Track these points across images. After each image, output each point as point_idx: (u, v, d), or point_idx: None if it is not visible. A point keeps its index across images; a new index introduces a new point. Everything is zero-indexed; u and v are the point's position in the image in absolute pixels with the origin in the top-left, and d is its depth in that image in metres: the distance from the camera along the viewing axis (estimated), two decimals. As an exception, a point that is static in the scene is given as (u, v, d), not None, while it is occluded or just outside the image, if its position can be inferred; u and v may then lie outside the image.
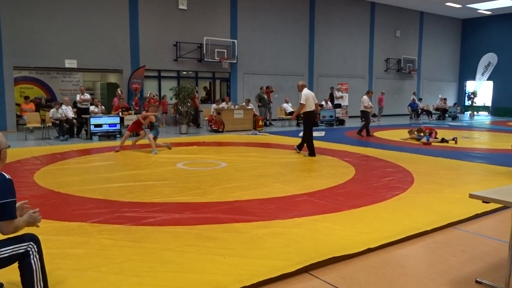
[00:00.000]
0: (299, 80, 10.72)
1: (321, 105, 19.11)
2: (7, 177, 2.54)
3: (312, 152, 9.46)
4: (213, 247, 3.87)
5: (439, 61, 29.26)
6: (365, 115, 13.91)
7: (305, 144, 9.69)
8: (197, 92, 17.82)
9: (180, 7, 18.18)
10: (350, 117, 20.91)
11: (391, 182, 6.73)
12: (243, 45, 19.81)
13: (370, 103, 13.85)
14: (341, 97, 20.77)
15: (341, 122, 18.98)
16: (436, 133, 12.57)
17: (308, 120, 9.60)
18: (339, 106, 20.16)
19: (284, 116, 18.52)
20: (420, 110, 23.47)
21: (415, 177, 7.11)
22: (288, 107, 18.70)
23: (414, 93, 24.17)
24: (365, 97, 13.86)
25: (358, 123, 19.88)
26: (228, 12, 19.62)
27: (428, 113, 23.54)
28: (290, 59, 21.78)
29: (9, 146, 2.77)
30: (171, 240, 4.05)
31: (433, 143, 11.92)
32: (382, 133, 15.19)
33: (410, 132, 13.14)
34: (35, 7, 15.19)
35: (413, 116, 23.39)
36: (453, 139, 12.05)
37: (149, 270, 3.38)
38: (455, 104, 26.52)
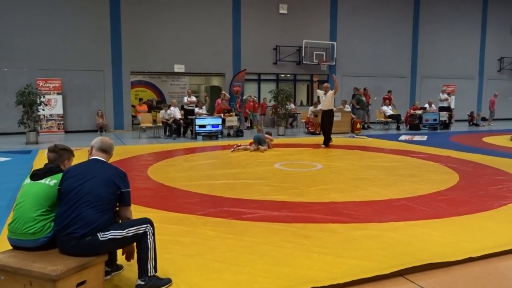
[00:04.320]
0: (326, 83, 12.25)
1: (424, 108, 18.20)
2: (123, 170, 3.10)
3: (326, 139, 11.57)
4: (308, 245, 4.01)
5: None
6: None
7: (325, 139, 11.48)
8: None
9: (281, 11, 18.61)
10: (456, 120, 19.59)
11: (500, 190, 6.26)
12: (342, 46, 19.62)
13: None
14: (446, 99, 19.52)
15: (445, 126, 17.86)
16: None
17: (323, 116, 11.70)
18: (444, 109, 18.97)
19: (383, 119, 17.97)
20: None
21: (529, 186, 6.54)
22: (388, 110, 18.08)
23: None
24: None
25: (464, 127, 18.64)
26: (328, 14, 19.59)
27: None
28: (391, 60, 21.04)
29: None
30: (268, 235, 4.27)
31: None
32: (494, 138, 14.01)
33: None
34: (149, 17, 16.66)
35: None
36: None
37: (248, 261, 3.63)
38: None
